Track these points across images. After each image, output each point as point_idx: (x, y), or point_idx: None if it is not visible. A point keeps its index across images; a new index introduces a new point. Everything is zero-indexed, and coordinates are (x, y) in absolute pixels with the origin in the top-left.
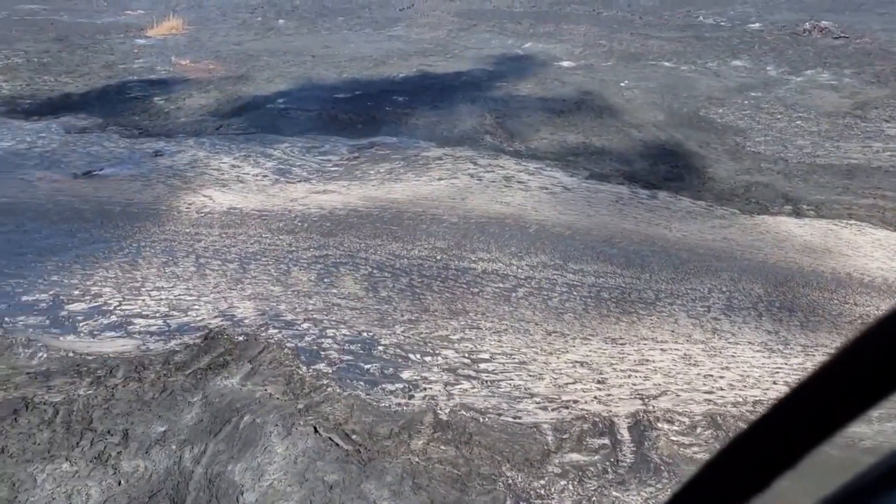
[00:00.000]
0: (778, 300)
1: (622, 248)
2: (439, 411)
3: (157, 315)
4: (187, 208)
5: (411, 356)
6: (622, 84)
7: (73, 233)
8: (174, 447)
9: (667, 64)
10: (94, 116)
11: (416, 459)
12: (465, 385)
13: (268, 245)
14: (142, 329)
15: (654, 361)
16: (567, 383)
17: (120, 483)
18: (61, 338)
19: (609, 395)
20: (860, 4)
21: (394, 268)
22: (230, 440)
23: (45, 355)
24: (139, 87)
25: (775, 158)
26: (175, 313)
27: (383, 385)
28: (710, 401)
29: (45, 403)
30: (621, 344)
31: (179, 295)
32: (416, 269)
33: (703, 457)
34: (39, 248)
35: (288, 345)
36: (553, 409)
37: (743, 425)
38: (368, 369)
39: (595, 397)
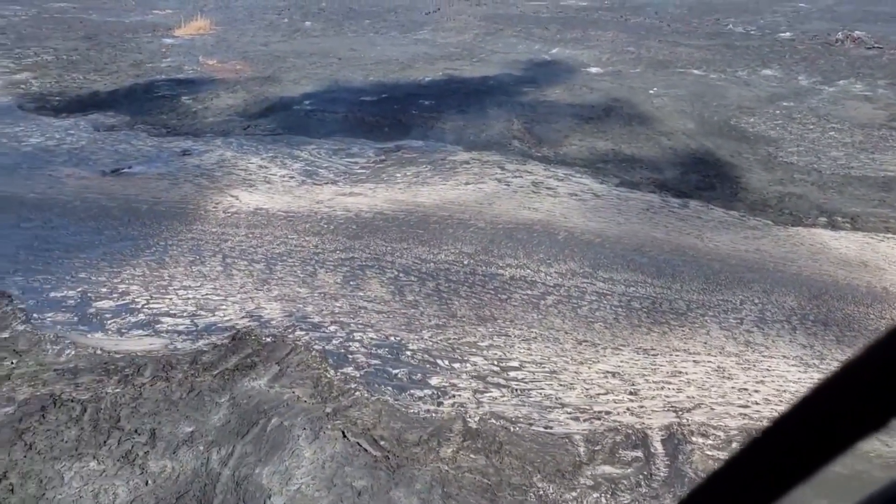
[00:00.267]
0: (812, 314)
1: (652, 258)
2: (469, 419)
3: (185, 314)
4: (214, 208)
5: (439, 362)
6: (651, 91)
7: (100, 230)
8: (201, 448)
9: (696, 72)
10: (123, 114)
11: (446, 467)
12: (495, 393)
13: (294, 246)
14: (169, 328)
15: (686, 373)
16: (599, 394)
17: (147, 483)
18: (89, 335)
19: (642, 406)
20: (894, 15)
21: (420, 272)
22: (258, 442)
23: (72, 352)
24: (167, 87)
25: (809, 169)
26: (202, 313)
27: (412, 391)
28: (745, 415)
29: (72, 401)
30: (653, 355)
31: (206, 294)
32: (442, 274)
33: None
34: (67, 245)
35: (315, 347)
36: (585, 420)
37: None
38: (396, 374)
39: (627, 409)
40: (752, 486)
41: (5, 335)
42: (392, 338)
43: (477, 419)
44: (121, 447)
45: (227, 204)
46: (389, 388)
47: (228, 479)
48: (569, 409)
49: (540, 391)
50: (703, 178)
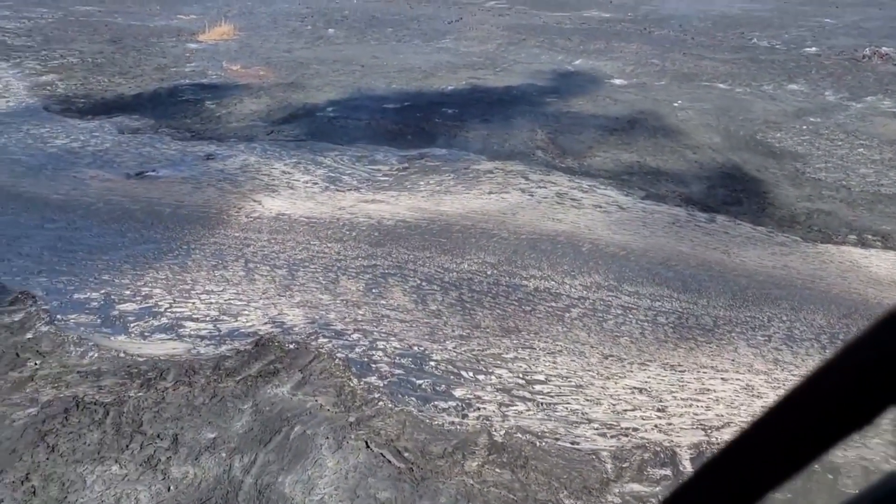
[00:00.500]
0: (842, 332)
1: (678, 272)
2: (494, 433)
3: (208, 319)
4: (237, 212)
5: (463, 373)
6: (676, 104)
7: (123, 232)
8: (224, 455)
9: (721, 85)
10: (147, 118)
11: (471, 481)
12: (521, 407)
13: (316, 252)
14: (192, 332)
15: (715, 391)
16: (626, 410)
17: (169, 489)
18: (112, 337)
19: (670, 424)
20: None
21: (443, 281)
22: (280, 450)
23: (96, 354)
24: (191, 91)
25: (837, 186)
26: (225, 317)
27: (436, 402)
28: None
29: (95, 403)
30: (680, 371)
31: (229, 299)
32: (465, 284)
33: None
34: (90, 246)
35: (338, 355)
36: (612, 437)
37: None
38: (420, 385)
39: (655, 426)
40: (736, 485)
41: (29, 336)
42: (415, 347)
43: (502, 433)
44: (143, 452)
45: (249, 209)
46: (413, 399)
47: (251, 488)
48: (596, 425)
49: (566, 406)
50: (730, 192)
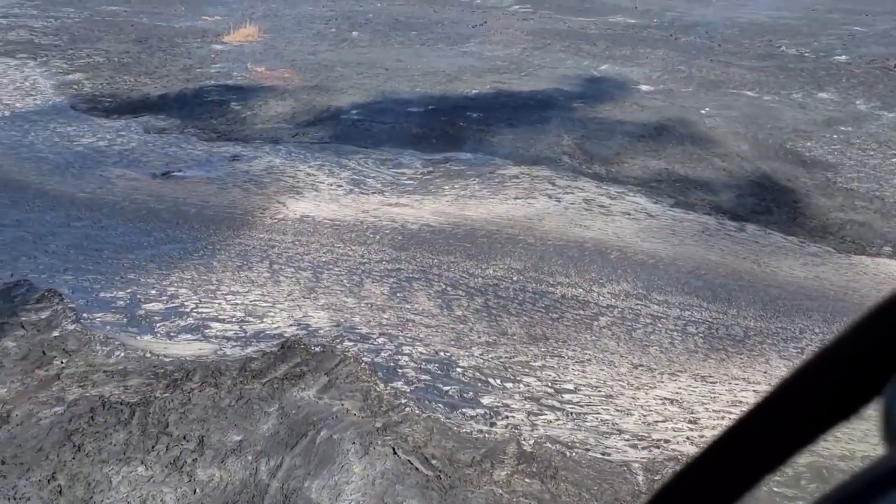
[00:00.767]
0: None
1: (708, 281)
2: (523, 442)
3: (233, 320)
4: (262, 213)
5: (491, 381)
6: (703, 111)
7: (149, 231)
8: (250, 458)
9: (749, 93)
10: (173, 118)
11: (500, 491)
12: (550, 416)
13: (340, 255)
14: (218, 333)
15: (747, 403)
16: (657, 421)
17: (195, 492)
18: (138, 337)
19: (702, 436)
20: None
21: (468, 286)
22: (307, 455)
23: (122, 354)
24: (216, 92)
25: (870, 196)
26: (251, 319)
27: (463, 409)
28: (813, 451)
29: (121, 403)
30: (712, 382)
31: (254, 301)
32: (491, 290)
33: None
34: (116, 245)
35: (364, 359)
36: (643, 448)
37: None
38: (447, 391)
39: (687, 438)
40: (718, 481)
41: (56, 334)
42: (441, 353)
43: (531, 442)
44: (169, 453)
45: (274, 210)
46: (440, 406)
47: (277, 492)
48: (626, 436)
49: (596, 416)
50: (760, 201)
